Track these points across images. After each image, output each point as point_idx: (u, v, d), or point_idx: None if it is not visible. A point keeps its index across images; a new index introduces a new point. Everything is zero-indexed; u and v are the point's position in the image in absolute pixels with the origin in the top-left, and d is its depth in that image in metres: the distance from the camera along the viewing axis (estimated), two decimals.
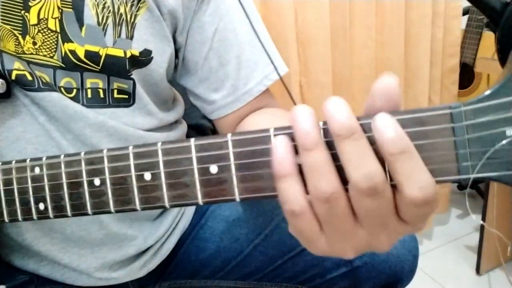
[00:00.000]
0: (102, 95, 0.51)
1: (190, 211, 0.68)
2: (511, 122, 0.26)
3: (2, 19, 0.46)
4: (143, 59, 0.51)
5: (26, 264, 0.55)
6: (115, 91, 0.52)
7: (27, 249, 0.53)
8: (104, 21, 0.48)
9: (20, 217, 0.39)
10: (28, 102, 0.48)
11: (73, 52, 0.48)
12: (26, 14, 0.47)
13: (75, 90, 0.50)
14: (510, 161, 0.26)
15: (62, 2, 0.47)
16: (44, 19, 0.47)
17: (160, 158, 0.32)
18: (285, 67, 0.61)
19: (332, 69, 1.20)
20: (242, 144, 0.31)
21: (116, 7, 0.49)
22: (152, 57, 0.52)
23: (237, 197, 0.31)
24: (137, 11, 0.50)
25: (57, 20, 0.47)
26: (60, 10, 0.47)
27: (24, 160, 0.38)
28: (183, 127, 0.65)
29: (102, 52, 0.49)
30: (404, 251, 0.61)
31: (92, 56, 0.48)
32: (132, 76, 0.51)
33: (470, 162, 0.27)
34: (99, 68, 0.49)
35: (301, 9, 1.12)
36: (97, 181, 0.35)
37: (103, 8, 0.48)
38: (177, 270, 0.66)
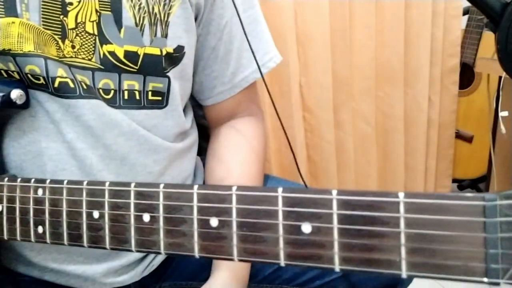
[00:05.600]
0: (137, 97, 0.53)
1: None
2: None
3: (43, 25, 0.47)
4: (177, 55, 0.54)
5: (31, 271, 0.54)
6: (150, 92, 0.53)
7: (32, 259, 0.53)
8: (141, 21, 0.50)
9: (18, 237, 0.39)
10: (60, 117, 0.48)
11: (112, 53, 0.49)
12: (65, 18, 0.48)
13: (112, 92, 0.51)
14: None
15: (100, 5, 0.48)
16: (82, 22, 0.48)
17: (161, 201, 0.31)
18: (279, 56, 0.66)
19: (332, 69, 1.20)
20: (247, 201, 0.29)
21: (150, 7, 0.50)
22: (184, 52, 0.54)
23: (236, 257, 0.29)
24: (170, 9, 0.52)
25: (94, 23, 0.49)
26: (98, 13, 0.48)
27: (29, 180, 0.38)
28: (195, 131, 0.67)
29: (141, 52, 0.50)
30: None
31: (131, 56, 0.50)
32: (168, 74, 0.53)
33: (501, 265, 0.23)
34: (137, 68, 0.51)
35: (301, 9, 1.12)
36: (96, 214, 0.34)
37: (139, 9, 0.50)
38: (177, 271, 0.66)
